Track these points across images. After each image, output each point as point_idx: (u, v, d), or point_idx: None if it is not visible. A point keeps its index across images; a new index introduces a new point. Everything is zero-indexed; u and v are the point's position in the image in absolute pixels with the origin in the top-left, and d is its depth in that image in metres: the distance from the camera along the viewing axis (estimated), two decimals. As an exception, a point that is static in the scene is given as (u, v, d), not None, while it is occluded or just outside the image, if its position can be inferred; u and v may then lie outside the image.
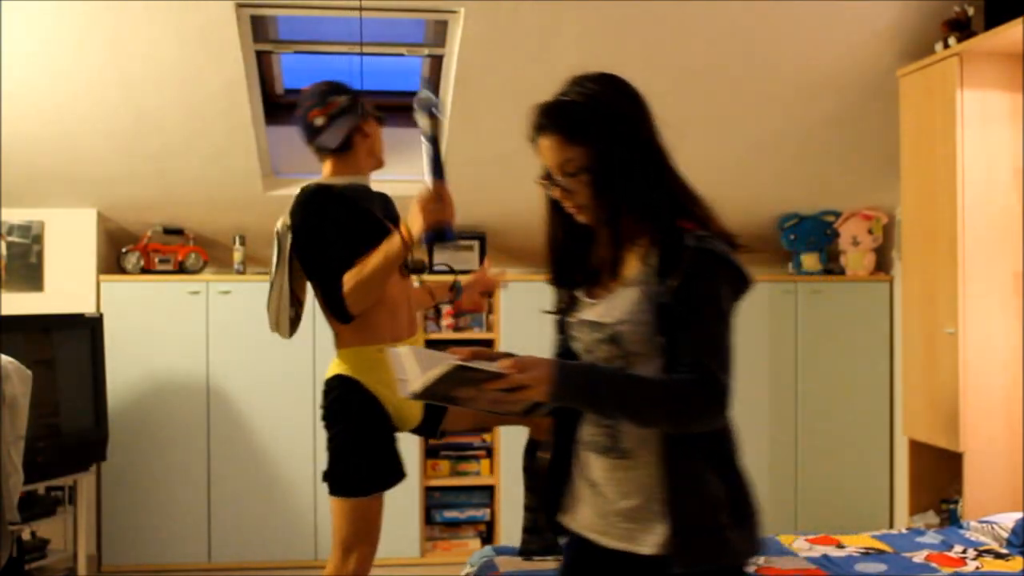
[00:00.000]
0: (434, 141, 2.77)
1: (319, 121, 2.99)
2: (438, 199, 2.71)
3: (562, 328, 1.96)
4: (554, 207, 1.90)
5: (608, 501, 1.86)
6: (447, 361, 1.68)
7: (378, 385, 2.90)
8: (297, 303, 3.06)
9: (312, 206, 2.93)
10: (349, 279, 2.82)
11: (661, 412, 1.74)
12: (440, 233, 2.72)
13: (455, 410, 3.03)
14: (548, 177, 1.86)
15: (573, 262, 1.91)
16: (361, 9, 3.86)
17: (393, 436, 3.00)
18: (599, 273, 1.89)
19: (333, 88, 3.04)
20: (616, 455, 1.84)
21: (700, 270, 1.75)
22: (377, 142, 3.08)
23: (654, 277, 1.78)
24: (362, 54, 3.97)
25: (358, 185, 3.03)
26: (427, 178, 2.76)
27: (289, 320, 3.05)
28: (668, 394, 1.73)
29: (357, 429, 2.92)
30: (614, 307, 1.82)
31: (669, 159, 1.85)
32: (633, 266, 1.84)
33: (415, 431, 3.11)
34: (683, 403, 1.73)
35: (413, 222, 2.72)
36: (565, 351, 1.95)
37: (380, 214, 3.00)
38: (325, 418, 2.98)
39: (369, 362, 2.90)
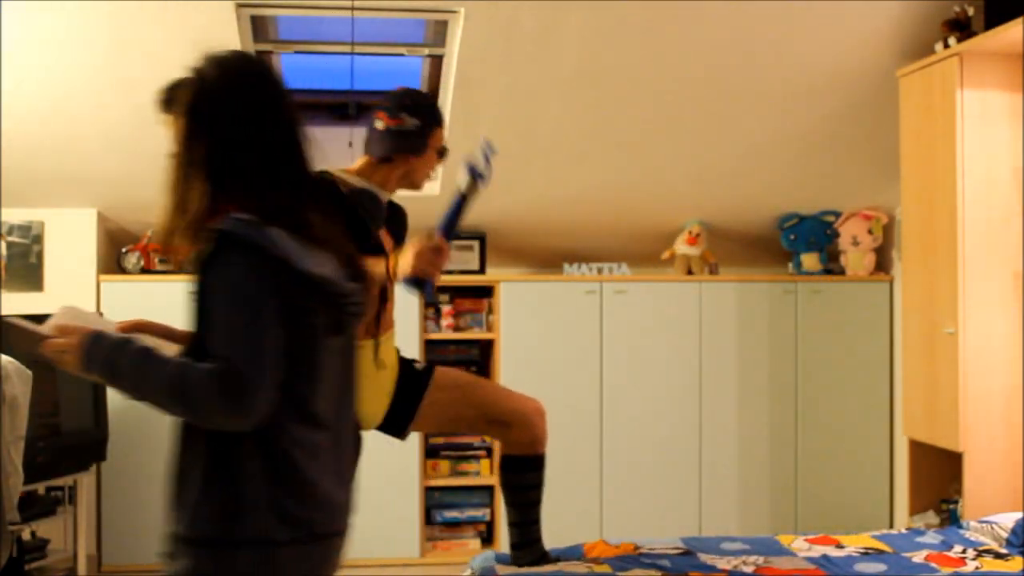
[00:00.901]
0: (463, 202, 2.76)
1: (378, 125, 2.91)
2: (436, 254, 2.64)
3: None
4: None
5: None
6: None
7: None
8: None
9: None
10: None
11: (172, 399, 1.65)
12: (421, 284, 2.68)
13: (420, 411, 3.03)
14: None
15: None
16: (353, 8, 3.85)
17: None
18: None
19: (413, 106, 2.92)
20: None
21: (218, 253, 1.66)
22: (420, 171, 2.96)
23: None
24: (353, 53, 3.97)
25: (368, 192, 2.90)
26: (438, 229, 2.72)
27: None
28: (181, 381, 1.63)
29: None
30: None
31: (268, 146, 1.79)
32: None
33: (380, 429, 3.08)
34: (192, 392, 1.62)
35: (403, 261, 2.66)
36: None
37: (377, 226, 2.91)
38: None
39: None
